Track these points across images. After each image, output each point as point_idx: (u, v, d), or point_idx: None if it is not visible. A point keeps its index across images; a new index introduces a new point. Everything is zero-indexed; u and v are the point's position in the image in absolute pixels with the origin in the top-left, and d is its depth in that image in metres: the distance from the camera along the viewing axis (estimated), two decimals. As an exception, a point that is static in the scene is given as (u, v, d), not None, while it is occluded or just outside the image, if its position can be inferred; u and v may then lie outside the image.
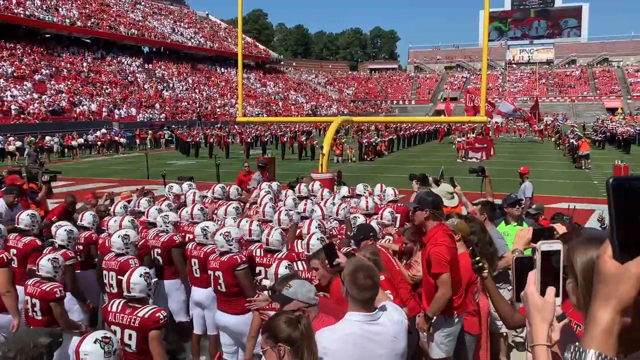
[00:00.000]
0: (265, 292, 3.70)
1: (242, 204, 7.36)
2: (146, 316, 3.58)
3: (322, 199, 7.21)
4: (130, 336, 3.58)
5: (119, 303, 3.76)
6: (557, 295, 1.18)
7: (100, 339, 2.78)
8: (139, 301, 3.72)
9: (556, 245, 1.09)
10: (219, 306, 4.77)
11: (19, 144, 27.72)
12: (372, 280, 2.55)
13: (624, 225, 0.91)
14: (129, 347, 3.58)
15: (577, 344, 0.99)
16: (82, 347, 2.76)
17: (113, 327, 3.63)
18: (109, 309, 3.75)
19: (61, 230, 5.14)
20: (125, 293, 3.77)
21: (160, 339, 3.60)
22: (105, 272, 5.04)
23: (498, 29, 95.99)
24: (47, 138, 29.95)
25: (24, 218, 5.56)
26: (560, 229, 2.38)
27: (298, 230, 5.51)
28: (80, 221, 6.04)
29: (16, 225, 5.54)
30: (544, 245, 1.17)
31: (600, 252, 0.97)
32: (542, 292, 1.16)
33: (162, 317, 3.61)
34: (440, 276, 4.08)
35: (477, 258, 2.91)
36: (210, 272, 4.78)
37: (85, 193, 10.93)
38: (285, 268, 3.97)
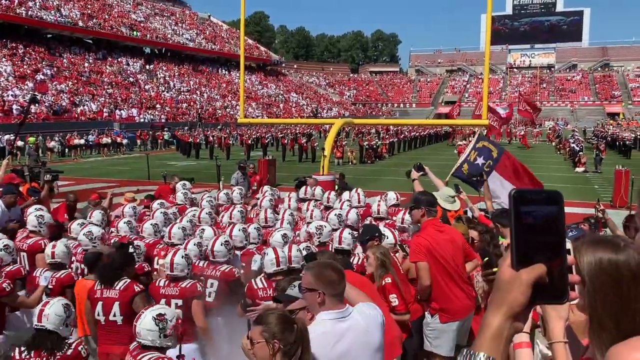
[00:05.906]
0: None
1: (245, 206, 7.36)
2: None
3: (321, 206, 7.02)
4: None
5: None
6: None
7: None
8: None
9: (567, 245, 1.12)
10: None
11: (20, 143, 27.69)
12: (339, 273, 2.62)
13: (522, 235, 0.96)
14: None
15: (469, 348, 1.02)
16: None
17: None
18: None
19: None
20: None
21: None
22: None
23: (498, 33, 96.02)
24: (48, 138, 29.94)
25: (32, 219, 5.59)
26: None
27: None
28: (89, 218, 6.07)
29: (28, 227, 5.56)
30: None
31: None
32: None
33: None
34: (417, 264, 4.33)
35: (495, 269, 2.79)
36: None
37: (87, 193, 10.96)
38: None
